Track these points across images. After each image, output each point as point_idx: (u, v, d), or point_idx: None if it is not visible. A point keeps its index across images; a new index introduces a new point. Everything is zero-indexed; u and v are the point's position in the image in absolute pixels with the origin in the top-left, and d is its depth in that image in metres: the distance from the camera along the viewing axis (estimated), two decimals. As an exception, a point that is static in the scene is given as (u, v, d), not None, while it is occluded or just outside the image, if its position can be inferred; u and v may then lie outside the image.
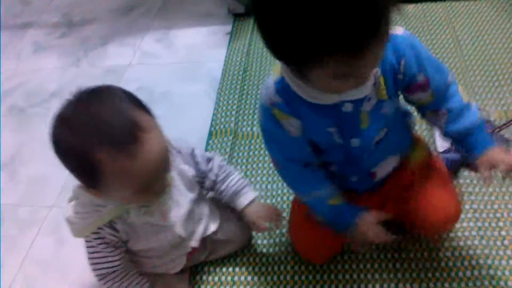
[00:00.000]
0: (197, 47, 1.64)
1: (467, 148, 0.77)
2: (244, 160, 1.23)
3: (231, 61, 1.52)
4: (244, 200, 0.96)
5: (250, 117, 1.34)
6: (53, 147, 0.71)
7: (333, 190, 0.83)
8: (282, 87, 0.71)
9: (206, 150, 1.27)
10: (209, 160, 0.96)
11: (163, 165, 0.76)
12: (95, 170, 0.69)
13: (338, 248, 0.97)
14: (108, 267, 0.87)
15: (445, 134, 0.79)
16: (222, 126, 1.32)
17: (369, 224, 0.81)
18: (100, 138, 0.68)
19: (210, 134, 1.32)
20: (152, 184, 0.76)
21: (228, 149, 1.26)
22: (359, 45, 0.54)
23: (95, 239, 0.85)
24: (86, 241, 0.86)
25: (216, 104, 1.40)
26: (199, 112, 1.40)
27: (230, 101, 1.39)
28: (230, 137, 1.29)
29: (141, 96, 0.75)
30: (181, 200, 0.89)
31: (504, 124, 1.12)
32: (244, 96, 1.40)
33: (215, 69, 1.52)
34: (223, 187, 0.96)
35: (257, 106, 1.35)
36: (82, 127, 0.69)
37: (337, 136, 0.75)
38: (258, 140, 1.27)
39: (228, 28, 1.67)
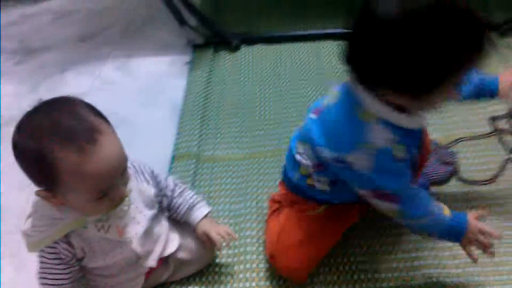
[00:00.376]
0: (157, 76, 1.68)
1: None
2: (207, 183, 1.26)
3: (192, 90, 1.57)
4: (199, 214, 1.00)
5: (211, 141, 1.39)
6: (13, 152, 0.73)
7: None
8: (386, 124, 0.77)
9: (169, 173, 1.30)
10: (165, 178, 1.00)
11: (119, 169, 0.78)
12: (52, 167, 0.71)
13: (319, 260, 1.01)
14: (55, 284, 0.87)
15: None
16: (184, 150, 1.36)
17: (476, 223, 0.86)
18: (57, 137, 0.71)
19: (173, 158, 1.34)
20: (109, 190, 0.77)
21: (191, 172, 1.29)
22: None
23: (49, 253, 0.85)
24: (40, 256, 0.86)
25: (178, 130, 1.43)
26: (160, 137, 1.43)
27: (192, 126, 1.43)
28: (193, 161, 1.32)
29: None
30: (138, 217, 0.90)
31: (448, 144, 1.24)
32: (205, 122, 1.45)
33: (176, 96, 1.57)
34: (180, 200, 1.00)
35: (222, 130, 1.42)
36: (40, 129, 0.72)
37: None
38: (221, 163, 1.31)
39: (187, 58, 1.73)
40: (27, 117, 0.74)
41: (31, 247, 0.85)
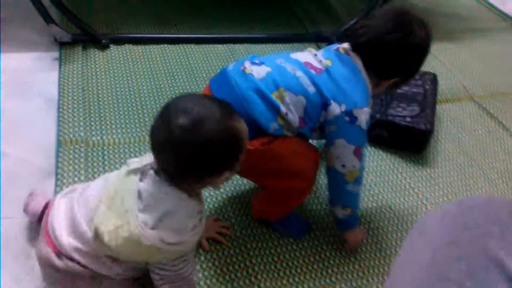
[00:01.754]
0: (24, 71, 1.63)
1: None
2: (100, 168, 1.31)
3: (66, 82, 1.58)
4: None
5: (98, 127, 1.43)
6: (202, 148, 0.78)
7: None
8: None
9: (58, 159, 1.31)
10: None
11: None
12: (239, 137, 0.82)
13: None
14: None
15: None
16: (71, 136, 1.37)
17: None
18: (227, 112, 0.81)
19: (59, 142, 1.35)
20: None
21: (82, 155, 1.32)
22: None
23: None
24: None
25: (60, 118, 1.44)
26: (40, 126, 1.42)
27: (75, 115, 1.45)
28: (82, 145, 1.35)
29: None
30: None
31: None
32: (87, 110, 1.48)
33: (48, 89, 1.56)
34: None
35: (106, 117, 1.47)
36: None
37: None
38: (110, 147, 1.37)
39: (55, 54, 1.72)
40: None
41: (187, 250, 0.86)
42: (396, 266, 0.57)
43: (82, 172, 1.28)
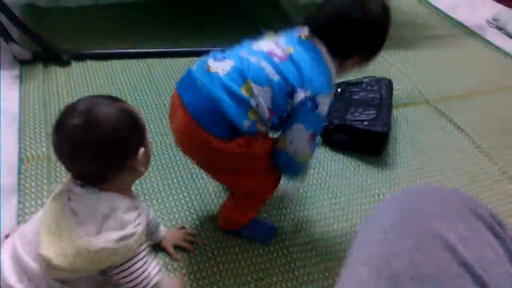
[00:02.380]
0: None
1: None
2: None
3: (27, 99, 1.58)
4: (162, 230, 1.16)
5: (61, 143, 1.42)
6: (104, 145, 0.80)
7: None
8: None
9: (20, 175, 1.30)
10: None
11: None
12: (134, 115, 0.87)
13: None
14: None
15: None
16: (33, 152, 1.37)
17: None
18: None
19: (21, 159, 1.34)
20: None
21: (44, 171, 1.32)
22: None
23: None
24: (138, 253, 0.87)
25: (22, 134, 1.43)
26: (2, 143, 1.41)
27: (36, 130, 1.45)
28: (44, 160, 1.35)
29: None
30: None
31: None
32: (49, 126, 1.48)
33: (10, 107, 1.55)
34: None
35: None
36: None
37: None
38: (73, 161, 1.37)
39: (15, 72, 1.71)
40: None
41: (138, 245, 0.86)
42: (351, 248, 0.61)
43: (45, 187, 1.28)
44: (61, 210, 0.82)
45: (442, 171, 1.60)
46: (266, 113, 0.98)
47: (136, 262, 0.86)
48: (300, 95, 0.97)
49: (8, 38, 1.71)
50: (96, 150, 0.80)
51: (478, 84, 2.15)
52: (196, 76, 1.00)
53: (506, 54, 2.47)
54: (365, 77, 1.76)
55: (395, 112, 1.83)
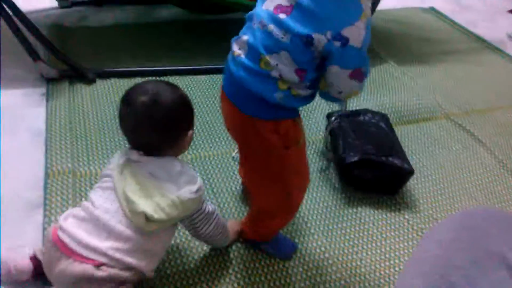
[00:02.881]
0: (13, 107, 1.67)
1: None
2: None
3: (54, 116, 1.62)
4: None
5: (85, 158, 1.47)
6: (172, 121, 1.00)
7: None
8: None
9: (46, 189, 1.34)
10: None
11: None
12: (188, 101, 1.05)
13: None
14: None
15: None
16: (59, 167, 1.41)
17: None
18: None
19: (47, 174, 1.39)
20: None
21: (70, 186, 1.35)
22: None
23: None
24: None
25: (48, 149, 1.48)
26: (28, 160, 1.46)
27: (62, 147, 1.49)
28: (70, 175, 1.38)
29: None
30: None
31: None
32: (75, 142, 1.53)
33: (36, 123, 1.60)
34: None
35: (93, 148, 1.51)
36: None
37: None
38: (97, 177, 1.40)
39: (43, 90, 1.77)
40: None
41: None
42: (407, 262, 0.63)
43: (70, 202, 1.31)
44: (138, 175, 0.99)
45: (463, 186, 1.59)
46: (294, 77, 0.92)
47: (206, 206, 1.08)
48: (321, 40, 0.86)
49: (36, 57, 1.77)
50: (158, 124, 0.98)
51: (499, 98, 2.14)
52: (229, 65, 1.00)
53: (527, 68, 2.45)
54: (357, 110, 1.69)
55: (415, 127, 1.83)
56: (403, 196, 1.50)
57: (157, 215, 0.96)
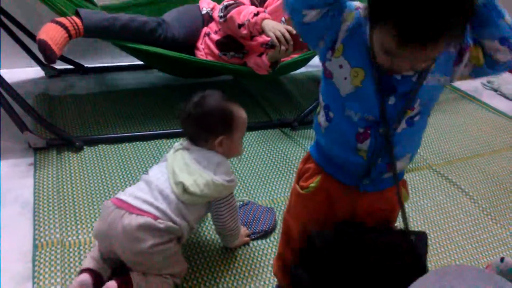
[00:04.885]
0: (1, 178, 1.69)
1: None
2: (77, 268, 1.33)
3: (41, 186, 1.63)
4: None
5: (74, 227, 1.47)
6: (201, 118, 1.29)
7: None
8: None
9: (34, 261, 1.33)
10: None
11: None
12: (230, 113, 1.30)
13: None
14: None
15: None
16: (47, 238, 1.41)
17: None
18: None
19: (36, 246, 1.38)
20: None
21: (58, 257, 1.35)
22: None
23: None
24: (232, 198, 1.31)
25: (36, 220, 1.48)
26: (16, 231, 1.45)
27: (50, 217, 1.49)
28: (58, 247, 1.38)
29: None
30: None
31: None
32: (63, 212, 1.53)
33: (24, 194, 1.61)
34: None
35: (81, 217, 1.52)
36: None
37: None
38: (86, 246, 1.40)
39: (30, 160, 1.78)
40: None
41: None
42: None
43: (58, 274, 1.30)
44: (186, 158, 1.27)
45: (449, 235, 1.62)
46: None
47: (233, 200, 1.32)
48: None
49: (23, 127, 1.80)
50: (193, 121, 1.29)
51: (478, 146, 2.21)
52: None
53: (504, 114, 2.54)
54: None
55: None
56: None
57: (192, 188, 1.20)
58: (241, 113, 1.32)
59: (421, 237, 1.03)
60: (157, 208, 1.19)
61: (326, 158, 1.02)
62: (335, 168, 1.01)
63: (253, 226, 1.52)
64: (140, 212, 1.17)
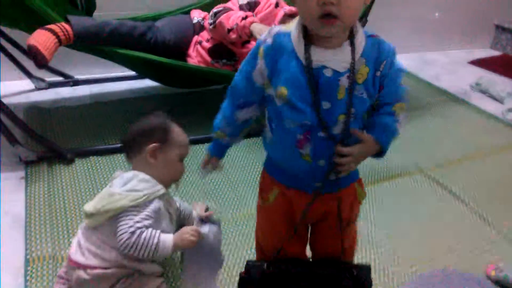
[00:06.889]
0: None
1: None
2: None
3: (33, 200, 1.63)
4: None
5: (66, 241, 1.46)
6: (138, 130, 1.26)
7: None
8: (283, 36, 0.92)
9: (26, 276, 1.33)
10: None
11: (188, 150, 1.31)
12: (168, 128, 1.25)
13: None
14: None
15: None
16: (39, 253, 1.40)
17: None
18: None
19: (27, 261, 1.37)
20: (182, 160, 1.28)
21: (50, 272, 1.34)
22: None
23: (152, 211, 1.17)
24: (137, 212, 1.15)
25: (28, 235, 1.47)
26: (7, 247, 1.44)
27: (42, 231, 1.48)
28: (50, 261, 1.37)
29: None
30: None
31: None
32: (55, 226, 1.52)
33: (15, 209, 1.60)
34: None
35: (74, 230, 1.51)
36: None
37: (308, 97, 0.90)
38: (78, 259, 1.39)
39: (21, 173, 1.78)
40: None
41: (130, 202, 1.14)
42: None
43: (50, 288, 1.30)
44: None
45: (442, 239, 1.62)
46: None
47: (138, 217, 1.14)
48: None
49: (14, 141, 1.80)
50: (133, 132, 1.26)
51: (468, 148, 2.22)
52: None
53: (493, 116, 2.56)
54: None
55: (390, 184, 1.88)
56: (385, 255, 1.52)
57: (87, 207, 1.17)
58: (180, 132, 1.28)
59: (364, 270, 1.09)
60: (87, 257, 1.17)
61: (277, 168, 1.05)
62: (287, 176, 1.03)
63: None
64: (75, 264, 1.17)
